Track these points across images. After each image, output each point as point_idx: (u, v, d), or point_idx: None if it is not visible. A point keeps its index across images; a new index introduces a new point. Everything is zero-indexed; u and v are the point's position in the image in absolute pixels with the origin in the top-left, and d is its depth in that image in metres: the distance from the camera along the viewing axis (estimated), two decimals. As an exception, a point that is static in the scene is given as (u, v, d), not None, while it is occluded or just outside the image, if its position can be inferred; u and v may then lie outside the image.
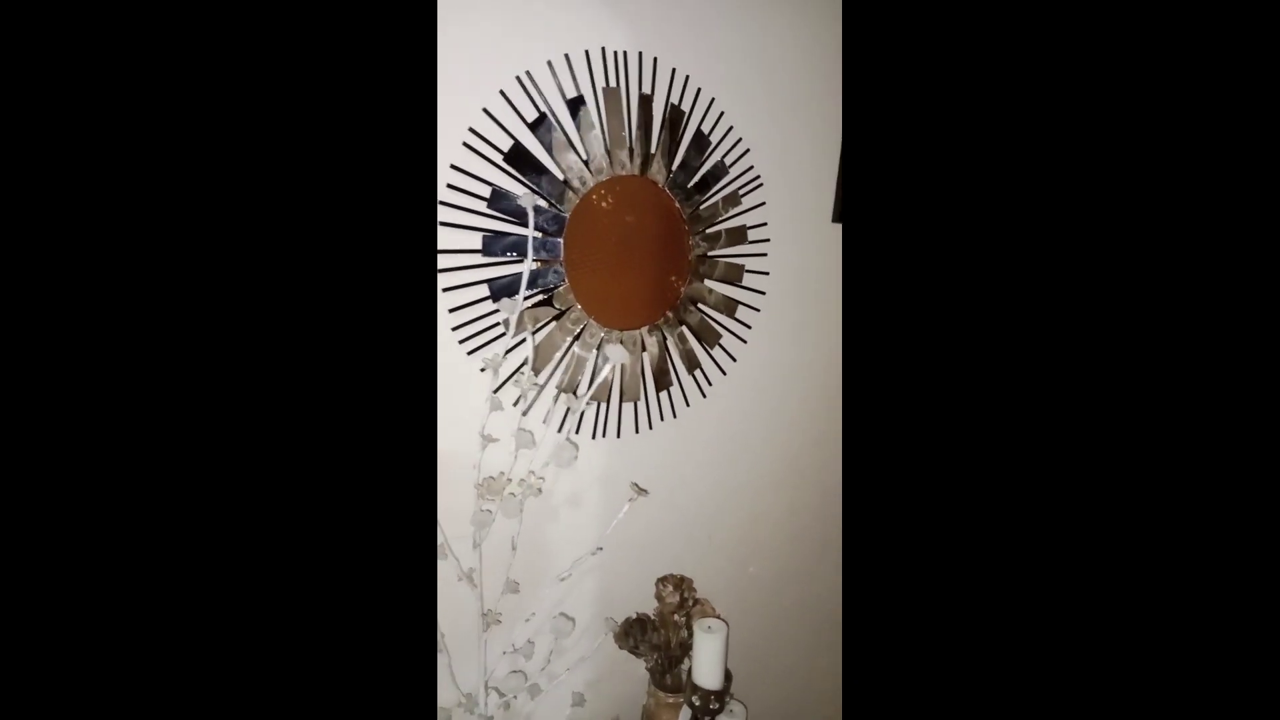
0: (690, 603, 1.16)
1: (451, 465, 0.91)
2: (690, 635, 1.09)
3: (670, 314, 1.14)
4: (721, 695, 1.05)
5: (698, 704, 1.05)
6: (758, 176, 1.21)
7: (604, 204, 1.03)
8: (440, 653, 0.92)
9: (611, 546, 1.16)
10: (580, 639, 1.13)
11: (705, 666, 1.04)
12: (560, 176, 0.98)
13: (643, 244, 1.09)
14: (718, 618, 1.12)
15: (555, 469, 1.05)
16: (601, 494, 1.14)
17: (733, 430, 1.30)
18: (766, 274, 1.26)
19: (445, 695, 0.94)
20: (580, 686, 1.09)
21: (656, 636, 1.12)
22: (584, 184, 1.00)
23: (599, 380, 1.05)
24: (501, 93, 0.93)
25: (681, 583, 1.16)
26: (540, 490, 0.96)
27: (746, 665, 1.38)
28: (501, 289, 0.96)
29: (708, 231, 1.16)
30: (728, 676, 1.07)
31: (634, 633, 1.12)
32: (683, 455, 1.23)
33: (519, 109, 0.94)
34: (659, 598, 1.14)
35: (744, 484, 1.34)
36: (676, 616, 1.14)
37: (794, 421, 1.38)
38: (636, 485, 1.07)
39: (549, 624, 1.01)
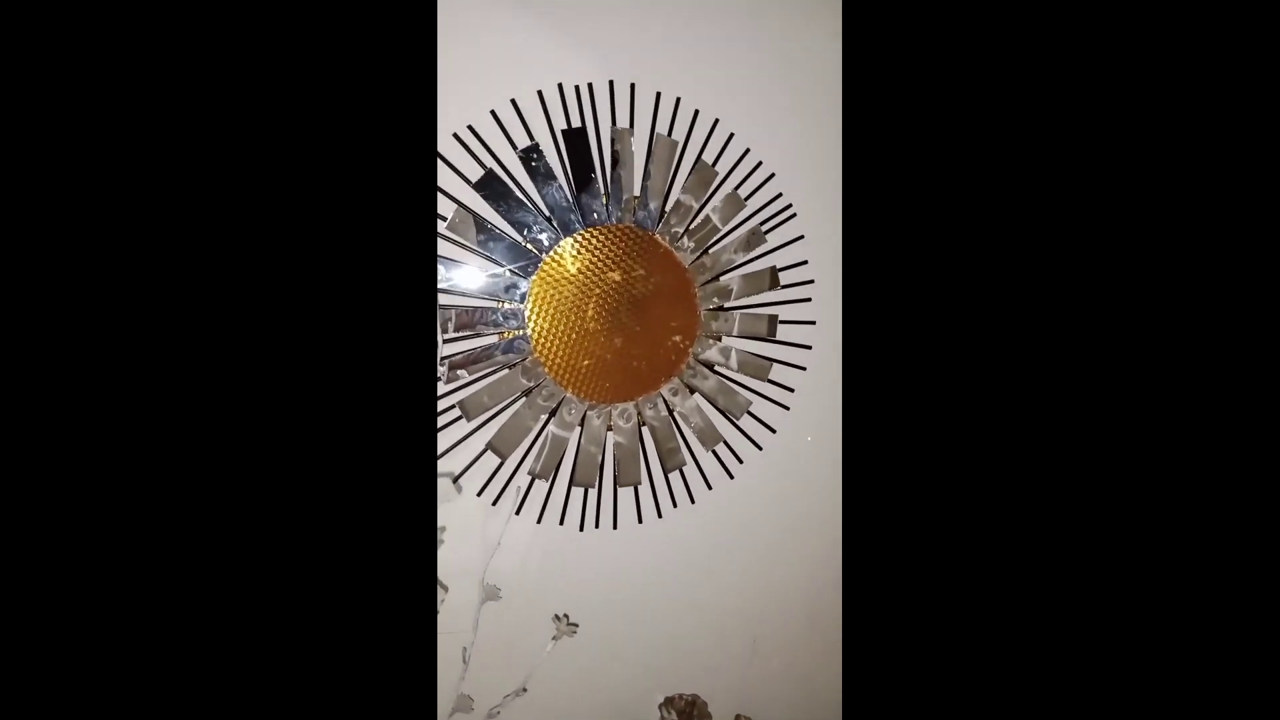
0: (703, 731, 0.96)
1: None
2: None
3: (677, 380, 0.96)
4: None
5: None
6: (789, 206, 0.97)
7: (576, 264, 0.88)
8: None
9: (619, 660, 1.00)
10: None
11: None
12: (518, 238, 0.86)
13: (633, 303, 0.92)
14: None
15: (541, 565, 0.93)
16: (581, 594, 0.99)
17: (771, 516, 1.06)
18: (813, 324, 1.01)
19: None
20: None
21: (657, 770, 0.94)
22: (551, 241, 0.87)
23: (579, 462, 0.90)
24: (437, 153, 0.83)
25: (693, 705, 0.96)
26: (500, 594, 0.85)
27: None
28: (458, 366, 0.86)
29: (721, 280, 0.96)
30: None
31: (633, 760, 0.95)
32: (700, 547, 1.03)
33: (457, 168, 0.83)
34: (663, 723, 0.96)
35: (787, 579, 1.09)
36: (688, 745, 0.95)
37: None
38: (560, 618, 0.91)
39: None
